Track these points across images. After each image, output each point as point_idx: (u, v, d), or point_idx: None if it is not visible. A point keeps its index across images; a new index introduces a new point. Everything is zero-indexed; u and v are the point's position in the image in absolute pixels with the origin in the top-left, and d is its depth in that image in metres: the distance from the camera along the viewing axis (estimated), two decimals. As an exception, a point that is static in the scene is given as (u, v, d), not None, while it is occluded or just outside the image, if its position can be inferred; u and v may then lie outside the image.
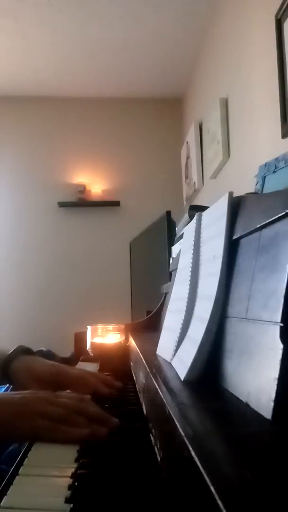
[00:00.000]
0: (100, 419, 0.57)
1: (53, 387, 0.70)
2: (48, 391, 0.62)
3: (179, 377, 0.48)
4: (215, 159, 2.43)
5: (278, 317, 0.34)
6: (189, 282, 0.62)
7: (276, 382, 0.31)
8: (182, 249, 0.81)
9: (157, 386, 0.46)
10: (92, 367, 1.08)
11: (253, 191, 1.51)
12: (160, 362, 0.63)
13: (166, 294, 1.19)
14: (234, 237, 0.50)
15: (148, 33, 2.80)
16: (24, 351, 0.80)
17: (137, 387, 0.76)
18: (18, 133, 3.54)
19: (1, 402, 0.57)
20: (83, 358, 1.19)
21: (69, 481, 0.43)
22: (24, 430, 0.54)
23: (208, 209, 0.65)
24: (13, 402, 0.57)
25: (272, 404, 0.31)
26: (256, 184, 1.55)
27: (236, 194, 0.54)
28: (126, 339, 1.16)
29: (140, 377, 0.70)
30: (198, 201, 2.97)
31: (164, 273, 1.57)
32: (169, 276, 1.22)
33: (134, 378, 0.83)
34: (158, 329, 1.07)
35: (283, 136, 1.57)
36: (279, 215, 0.38)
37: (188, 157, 3.09)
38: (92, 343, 1.16)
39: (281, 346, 0.32)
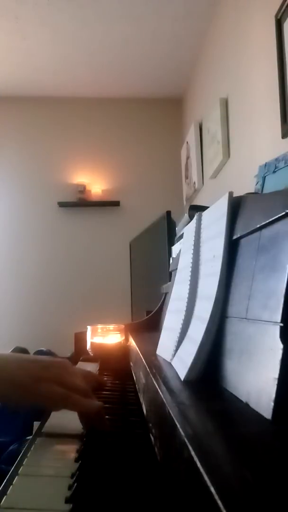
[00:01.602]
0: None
1: None
2: (66, 360, 0.63)
3: (179, 377, 0.48)
4: (215, 159, 2.43)
5: (278, 317, 0.34)
6: (189, 282, 0.62)
7: (276, 382, 0.31)
8: (182, 249, 0.81)
9: (157, 386, 0.46)
10: (92, 367, 1.08)
11: (253, 191, 1.51)
12: (160, 362, 0.63)
13: (166, 294, 1.19)
14: (234, 237, 0.50)
15: (148, 33, 2.80)
16: (21, 351, 0.81)
17: (137, 387, 0.76)
18: (18, 133, 3.54)
19: (21, 365, 0.57)
20: (83, 358, 1.19)
21: (69, 481, 0.43)
22: (41, 393, 0.55)
23: (208, 209, 0.65)
24: (31, 365, 0.57)
25: (272, 404, 0.31)
26: (256, 184, 1.55)
27: (236, 194, 0.54)
28: (126, 339, 1.16)
29: (140, 377, 0.70)
30: (198, 201, 2.97)
31: (164, 273, 1.57)
32: (169, 276, 1.22)
33: (134, 378, 0.83)
34: (158, 329, 1.07)
35: (283, 136, 1.57)
36: (279, 215, 0.38)
37: (188, 157, 3.09)
38: (92, 343, 1.16)
39: (281, 346, 0.32)
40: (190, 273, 0.62)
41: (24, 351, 0.82)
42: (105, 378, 0.93)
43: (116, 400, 0.74)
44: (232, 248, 0.50)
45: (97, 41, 2.88)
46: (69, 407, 0.55)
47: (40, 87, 3.43)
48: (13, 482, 0.43)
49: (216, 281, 0.49)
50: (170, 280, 1.15)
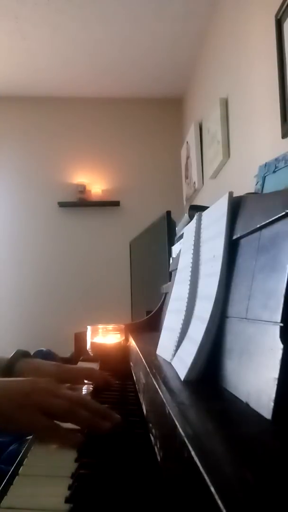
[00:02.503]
0: (102, 413, 0.56)
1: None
2: (51, 380, 0.60)
3: (179, 377, 0.48)
4: (215, 159, 2.43)
5: (278, 317, 0.34)
6: (189, 282, 0.62)
7: (276, 382, 0.31)
8: (182, 249, 0.81)
9: (157, 386, 0.46)
10: (92, 367, 1.08)
11: (253, 191, 1.51)
12: (160, 362, 0.63)
13: (166, 294, 1.19)
14: (234, 237, 0.50)
15: (148, 33, 2.80)
16: (23, 354, 0.81)
17: (137, 387, 0.76)
18: (18, 133, 3.54)
19: (2, 393, 0.54)
20: (83, 358, 1.19)
21: (69, 481, 0.43)
22: (22, 424, 0.53)
23: (208, 209, 0.65)
24: (14, 391, 0.54)
25: (272, 404, 0.31)
26: (256, 184, 1.55)
27: (236, 194, 0.54)
28: (126, 339, 1.16)
29: (140, 377, 0.70)
30: (198, 201, 2.97)
31: (164, 273, 1.57)
32: (169, 276, 1.22)
33: (134, 378, 0.83)
34: (158, 329, 1.07)
35: (283, 136, 1.57)
36: (279, 215, 0.38)
37: (188, 157, 3.09)
38: (92, 343, 1.16)
39: (281, 346, 0.32)
40: (190, 273, 0.62)
41: (27, 354, 0.81)
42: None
43: (116, 400, 0.74)
44: (232, 248, 0.50)
45: (97, 41, 2.88)
46: (55, 442, 0.52)
47: (40, 87, 3.43)
48: (13, 482, 0.43)
49: (216, 281, 0.49)
50: (170, 280, 1.15)
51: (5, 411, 0.52)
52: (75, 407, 0.54)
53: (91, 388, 0.77)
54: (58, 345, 2.91)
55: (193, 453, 0.27)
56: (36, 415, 0.52)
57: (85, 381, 0.81)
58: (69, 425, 0.55)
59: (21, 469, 0.46)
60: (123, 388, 0.82)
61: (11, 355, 0.79)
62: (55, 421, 0.53)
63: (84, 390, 0.79)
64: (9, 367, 0.76)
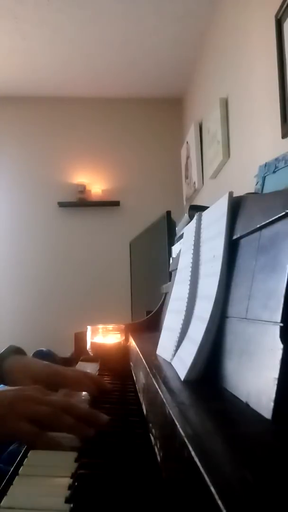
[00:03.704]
0: (88, 417, 0.56)
1: (49, 387, 0.69)
2: (37, 387, 0.59)
3: (179, 377, 0.48)
4: (215, 159, 2.43)
5: (278, 317, 0.34)
6: (189, 282, 0.62)
7: (276, 382, 0.31)
8: (182, 249, 0.81)
9: (157, 386, 0.46)
10: (92, 367, 1.08)
11: (253, 191, 1.51)
12: (160, 362, 0.63)
13: (166, 294, 1.19)
14: (234, 237, 0.50)
15: (148, 33, 2.80)
16: (15, 350, 0.78)
17: (137, 387, 0.76)
18: (18, 133, 3.54)
19: None
20: (83, 358, 1.19)
21: (69, 481, 0.43)
22: (6, 435, 0.52)
23: (208, 209, 0.65)
24: None
25: (272, 404, 0.31)
26: (256, 184, 1.55)
27: (236, 194, 0.54)
28: (126, 339, 1.16)
29: (140, 377, 0.70)
30: (198, 201, 2.97)
31: (164, 273, 1.57)
32: (169, 276, 1.22)
33: (134, 378, 0.83)
34: (158, 329, 1.07)
35: (283, 136, 1.57)
36: (279, 215, 0.38)
37: (188, 157, 3.09)
38: (92, 343, 1.16)
39: (281, 346, 0.32)
40: (190, 273, 0.62)
41: (19, 350, 0.79)
42: (105, 378, 0.93)
43: (116, 400, 0.74)
44: (232, 248, 0.50)
45: (97, 41, 2.88)
46: (41, 447, 0.51)
47: (40, 87, 3.43)
48: (13, 482, 0.43)
49: (216, 281, 0.49)
50: (170, 280, 1.15)
51: None
52: (59, 413, 0.54)
53: (89, 396, 0.74)
54: (58, 345, 2.91)
55: (193, 453, 0.27)
56: (18, 424, 0.51)
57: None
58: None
59: (21, 469, 0.46)
60: (123, 388, 0.82)
61: (2, 350, 0.77)
62: (37, 428, 0.52)
63: (83, 394, 0.76)
64: None
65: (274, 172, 1.44)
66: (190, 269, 0.63)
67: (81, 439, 0.53)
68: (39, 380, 0.71)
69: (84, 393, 0.75)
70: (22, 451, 0.52)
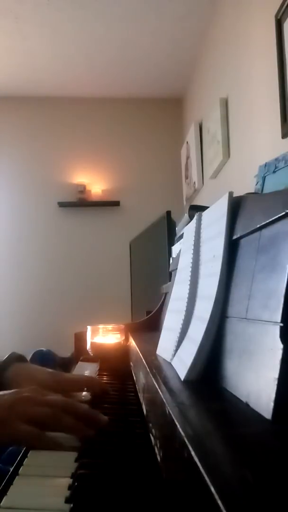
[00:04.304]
0: (87, 417, 0.55)
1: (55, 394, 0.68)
2: (35, 387, 0.59)
3: (179, 377, 0.48)
4: (215, 159, 2.43)
5: (278, 317, 0.34)
6: (189, 282, 0.62)
7: (276, 382, 0.31)
8: (182, 249, 0.81)
9: (157, 386, 0.46)
10: (92, 367, 1.08)
11: (253, 191, 1.51)
12: (160, 362, 0.63)
13: (166, 294, 1.19)
14: (234, 237, 0.50)
15: (148, 33, 2.80)
16: (17, 358, 0.77)
17: (137, 387, 0.76)
18: (18, 133, 3.54)
19: None
20: (83, 358, 1.19)
21: (69, 481, 0.43)
22: (6, 437, 0.52)
23: (208, 209, 0.65)
24: None
25: (272, 404, 0.31)
26: (256, 184, 1.55)
27: (236, 194, 0.54)
28: (126, 339, 1.16)
29: (140, 377, 0.70)
30: (198, 201, 2.97)
31: (164, 273, 1.57)
32: (169, 276, 1.22)
33: (134, 378, 0.83)
34: (158, 329, 1.07)
35: (283, 136, 1.57)
36: (279, 215, 0.38)
37: (188, 157, 3.09)
38: (92, 343, 1.16)
39: (281, 346, 0.32)
40: (190, 273, 0.62)
41: (21, 358, 0.78)
42: (105, 378, 0.93)
43: (116, 400, 0.74)
44: (232, 248, 0.50)
45: (97, 41, 2.88)
46: (41, 448, 0.51)
47: (40, 87, 3.43)
48: (13, 482, 0.43)
49: (216, 281, 0.49)
50: (170, 280, 1.15)
51: None
52: (59, 413, 0.53)
53: (89, 396, 0.74)
54: (58, 345, 2.91)
55: (193, 453, 0.27)
56: (18, 425, 0.51)
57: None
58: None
59: (21, 469, 0.46)
60: (123, 388, 0.82)
61: (4, 358, 0.75)
62: (37, 429, 0.52)
63: (83, 394, 0.76)
64: (0, 372, 0.72)
65: (274, 172, 1.44)
66: (190, 269, 0.63)
67: (81, 440, 0.53)
68: (45, 388, 0.70)
69: (84, 393, 0.75)
70: (22, 451, 0.52)
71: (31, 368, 0.77)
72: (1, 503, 0.39)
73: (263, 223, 0.42)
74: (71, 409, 0.55)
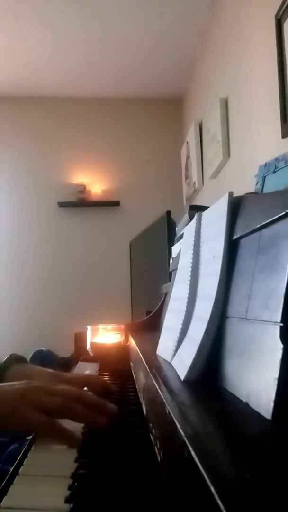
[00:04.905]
0: (99, 407, 0.56)
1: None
2: (43, 379, 0.60)
3: (179, 377, 0.48)
4: (215, 159, 2.43)
5: (278, 317, 0.34)
6: (189, 282, 0.62)
7: (276, 382, 0.31)
8: (182, 249, 0.81)
9: (157, 386, 0.46)
10: (92, 367, 1.08)
11: (253, 191, 1.51)
12: (160, 362, 0.63)
13: (166, 294, 1.19)
14: (234, 237, 0.50)
15: (148, 33, 2.80)
16: (17, 359, 0.77)
17: (137, 387, 0.76)
18: (18, 133, 3.54)
19: None
20: (83, 358, 1.19)
21: (69, 481, 0.43)
22: (19, 425, 0.52)
23: (208, 209, 0.65)
24: (7, 394, 0.54)
25: (272, 404, 0.31)
26: (256, 184, 1.55)
27: (236, 194, 0.54)
28: (126, 339, 1.16)
29: (140, 377, 0.70)
30: (198, 201, 2.97)
31: (164, 273, 1.57)
32: (169, 276, 1.22)
33: (134, 378, 0.83)
34: (158, 329, 1.07)
35: (283, 136, 1.57)
36: (279, 215, 0.38)
37: (188, 157, 3.09)
38: (92, 343, 1.16)
39: (281, 346, 0.32)
40: (190, 273, 0.62)
41: (21, 359, 0.78)
42: (105, 378, 0.93)
43: (116, 400, 0.74)
44: (232, 248, 0.50)
45: (97, 41, 2.88)
46: (53, 437, 0.52)
47: (40, 87, 3.43)
48: (13, 482, 0.43)
49: (216, 281, 0.49)
50: (170, 280, 1.15)
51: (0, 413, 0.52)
52: (70, 402, 0.54)
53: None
54: (58, 345, 2.91)
55: (193, 453, 0.27)
56: (31, 414, 0.52)
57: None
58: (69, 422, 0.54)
59: (21, 469, 0.46)
60: (123, 388, 0.82)
61: (4, 359, 0.75)
62: (51, 418, 0.53)
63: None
64: (0, 373, 0.72)
65: (274, 172, 1.44)
66: (190, 269, 0.63)
67: (93, 428, 0.53)
68: None
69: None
70: (22, 451, 0.52)
71: (31, 368, 0.77)
72: (1, 503, 0.39)
73: (263, 223, 0.42)
74: (81, 399, 0.56)
